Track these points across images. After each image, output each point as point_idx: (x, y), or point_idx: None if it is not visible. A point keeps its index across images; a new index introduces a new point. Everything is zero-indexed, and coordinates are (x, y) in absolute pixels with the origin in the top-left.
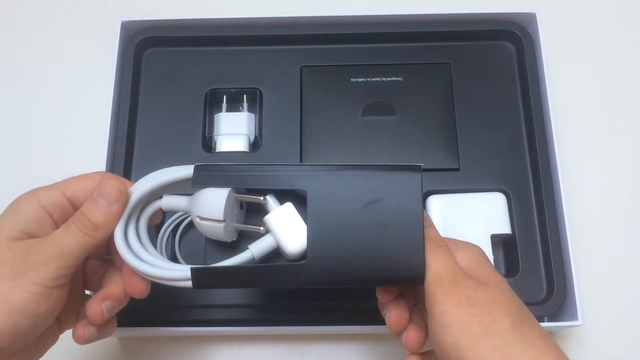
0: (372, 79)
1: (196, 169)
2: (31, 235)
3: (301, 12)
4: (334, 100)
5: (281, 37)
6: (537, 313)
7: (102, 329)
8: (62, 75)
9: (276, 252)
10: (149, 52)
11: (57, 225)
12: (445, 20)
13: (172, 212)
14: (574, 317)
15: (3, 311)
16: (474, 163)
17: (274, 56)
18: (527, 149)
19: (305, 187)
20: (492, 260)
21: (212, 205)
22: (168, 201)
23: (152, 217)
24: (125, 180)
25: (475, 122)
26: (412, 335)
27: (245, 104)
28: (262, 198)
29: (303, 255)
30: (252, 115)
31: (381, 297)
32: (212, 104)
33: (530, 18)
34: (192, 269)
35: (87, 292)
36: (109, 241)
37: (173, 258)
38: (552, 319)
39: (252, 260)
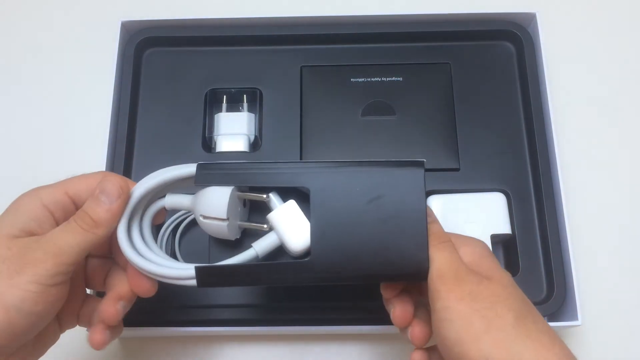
0: (372, 79)
1: (199, 167)
2: (32, 234)
3: (301, 12)
4: (334, 100)
5: (281, 37)
6: None
7: (114, 330)
8: (62, 75)
9: (280, 250)
10: (149, 52)
11: (58, 224)
12: (445, 20)
13: (174, 211)
14: (574, 317)
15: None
16: (474, 163)
17: (274, 56)
18: (527, 149)
19: (308, 184)
20: None
21: (215, 203)
22: (171, 200)
23: (155, 216)
24: (128, 180)
25: (475, 122)
26: (417, 330)
27: (245, 104)
28: (265, 196)
29: (307, 253)
30: (252, 115)
31: (385, 292)
32: (212, 104)
33: (530, 18)
34: (196, 268)
35: (88, 291)
36: (111, 240)
37: (173, 257)
38: (552, 319)
39: (256, 258)
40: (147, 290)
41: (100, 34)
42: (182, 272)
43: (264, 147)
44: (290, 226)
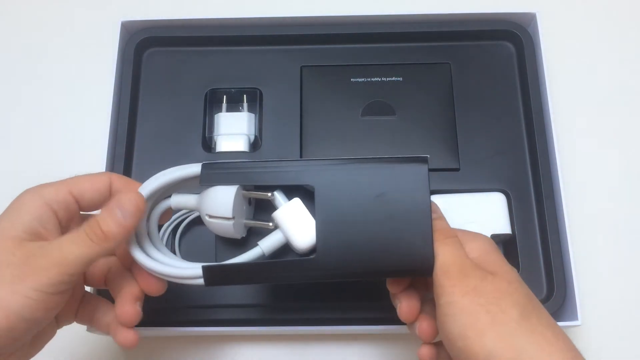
0: (372, 79)
1: (203, 167)
2: (35, 234)
3: (301, 12)
4: (334, 100)
5: (281, 37)
6: None
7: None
8: (62, 75)
9: (286, 248)
10: (149, 52)
11: (61, 223)
12: (445, 20)
13: (179, 211)
14: (574, 317)
15: (1, 316)
16: (474, 163)
17: (274, 56)
18: (527, 149)
19: (313, 181)
20: None
21: (221, 203)
22: (177, 200)
23: (161, 216)
24: (133, 181)
25: (475, 122)
26: (424, 325)
27: (245, 104)
28: (269, 194)
29: (312, 250)
30: (252, 115)
31: (392, 288)
32: (212, 104)
33: (530, 18)
34: (203, 267)
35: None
36: None
37: None
38: None
39: (262, 256)
40: (157, 289)
41: (100, 34)
42: (190, 271)
43: (264, 147)
44: (295, 224)
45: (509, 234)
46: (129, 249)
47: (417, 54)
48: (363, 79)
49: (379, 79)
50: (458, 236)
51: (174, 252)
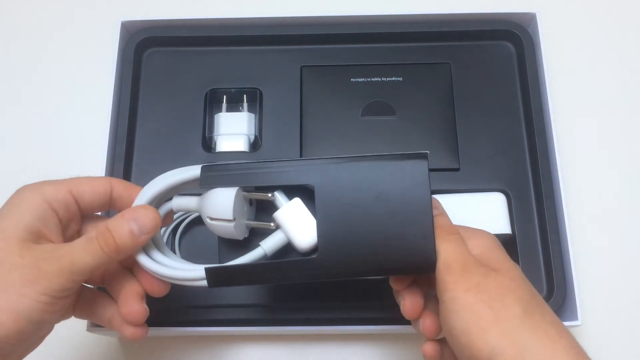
0: (372, 79)
1: (203, 169)
2: (37, 234)
3: (301, 12)
4: (334, 100)
5: (281, 37)
6: None
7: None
8: (62, 75)
9: (289, 248)
10: (149, 52)
11: (61, 222)
12: (445, 20)
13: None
14: (574, 317)
15: (10, 319)
16: (474, 163)
17: (274, 56)
18: (527, 149)
19: (312, 181)
20: None
21: (221, 205)
22: (178, 202)
23: (163, 219)
24: (134, 185)
25: (475, 122)
26: (428, 322)
27: (245, 104)
28: (270, 195)
29: (314, 249)
30: (252, 115)
31: (395, 285)
32: (212, 104)
33: (530, 18)
34: (206, 269)
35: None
36: None
37: None
38: None
39: (265, 256)
40: (160, 291)
41: (100, 34)
42: (193, 273)
43: (264, 147)
44: (296, 224)
45: (509, 234)
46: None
47: (417, 54)
48: (363, 79)
49: (379, 79)
50: (460, 232)
51: (174, 253)
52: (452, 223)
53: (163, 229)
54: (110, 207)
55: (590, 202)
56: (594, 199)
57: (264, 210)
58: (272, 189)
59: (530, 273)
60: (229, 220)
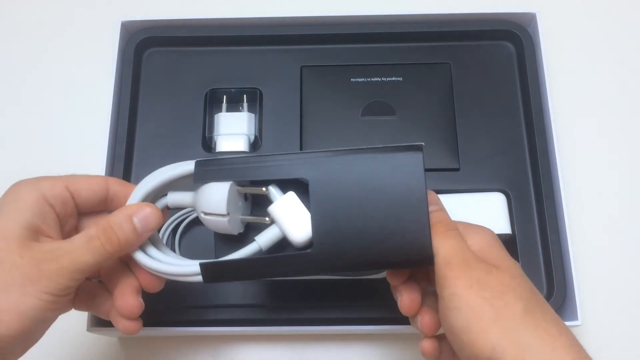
0: (372, 79)
1: (197, 164)
2: (36, 231)
3: (301, 12)
4: (334, 100)
5: (281, 37)
6: None
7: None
8: (62, 75)
9: (285, 242)
10: (149, 52)
11: (59, 217)
12: (445, 20)
13: (175, 210)
14: (574, 317)
15: (14, 318)
16: (474, 163)
17: (274, 56)
18: (527, 149)
19: (306, 174)
20: None
21: (215, 200)
22: (173, 198)
23: None
24: (130, 184)
25: (475, 122)
26: (426, 318)
27: (245, 104)
28: (264, 189)
29: (310, 244)
30: (252, 115)
31: (392, 280)
32: (212, 104)
33: (530, 18)
34: (201, 264)
35: None
36: None
37: None
38: None
39: (260, 251)
40: (155, 286)
41: (100, 34)
42: (187, 269)
43: (264, 147)
44: (290, 218)
45: (509, 234)
46: None
47: (417, 54)
48: (363, 79)
49: (379, 79)
50: (460, 228)
51: (175, 252)
52: (450, 219)
53: (163, 228)
54: (107, 206)
55: (590, 202)
56: (594, 199)
57: (260, 205)
58: (266, 183)
59: (530, 273)
60: (223, 215)
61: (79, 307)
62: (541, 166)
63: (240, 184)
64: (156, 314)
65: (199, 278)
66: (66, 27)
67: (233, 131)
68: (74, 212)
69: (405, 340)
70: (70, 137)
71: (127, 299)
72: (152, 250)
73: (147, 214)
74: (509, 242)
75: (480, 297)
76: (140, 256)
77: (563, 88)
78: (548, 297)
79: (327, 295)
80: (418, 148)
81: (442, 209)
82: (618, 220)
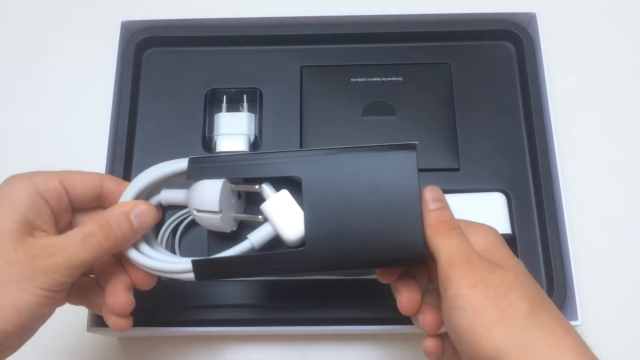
0: (372, 79)
1: (190, 161)
2: (31, 226)
3: (301, 12)
4: (334, 100)
5: (281, 37)
6: None
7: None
8: (62, 75)
9: (278, 241)
10: (149, 52)
11: (53, 212)
12: (445, 20)
13: (173, 208)
14: (574, 316)
15: (12, 315)
16: (474, 163)
17: (274, 56)
18: (527, 149)
19: (300, 173)
20: None
21: (207, 197)
22: (167, 195)
23: None
24: (124, 181)
25: (475, 122)
26: (428, 317)
27: (245, 104)
28: (257, 187)
29: (303, 242)
30: (252, 115)
31: (382, 278)
32: (212, 104)
33: (530, 18)
34: (192, 261)
35: None
36: None
37: None
38: None
39: (252, 249)
40: (147, 283)
41: (100, 34)
42: (179, 266)
43: (264, 147)
44: (283, 216)
45: (509, 234)
46: None
47: (417, 54)
48: (363, 79)
49: (379, 79)
50: (462, 227)
51: (174, 252)
52: (454, 217)
53: (163, 228)
54: (101, 203)
55: (590, 202)
56: (594, 199)
57: (254, 203)
58: (259, 181)
59: (530, 273)
60: (215, 212)
61: (72, 302)
62: (541, 166)
63: (233, 181)
64: (156, 313)
65: (191, 275)
66: (66, 27)
67: (233, 131)
68: (69, 208)
69: (405, 340)
70: (70, 137)
71: (118, 295)
72: (144, 247)
73: (143, 211)
74: (509, 242)
75: (484, 296)
76: (132, 253)
77: (563, 88)
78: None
79: (327, 295)
80: (411, 147)
81: (446, 207)
82: (618, 220)
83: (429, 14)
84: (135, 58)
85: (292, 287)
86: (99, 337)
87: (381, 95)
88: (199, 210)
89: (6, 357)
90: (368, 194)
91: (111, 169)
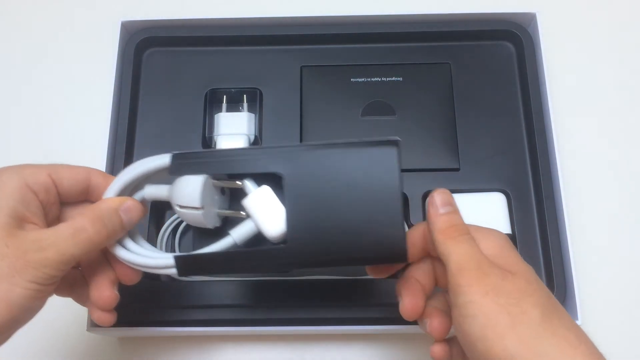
0: (372, 79)
1: (173, 157)
2: (20, 218)
3: (301, 12)
4: (334, 100)
5: (281, 37)
6: None
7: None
8: (62, 75)
9: (261, 237)
10: (149, 52)
11: (42, 204)
12: (445, 20)
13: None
14: (574, 316)
15: (3, 308)
16: (474, 163)
17: (274, 56)
18: (527, 149)
19: (280, 169)
20: None
21: (189, 193)
22: (150, 191)
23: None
24: (112, 176)
25: (475, 122)
26: (436, 322)
27: (245, 104)
28: (239, 183)
29: (284, 238)
30: (252, 115)
31: (372, 273)
32: (212, 104)
33: (530, 18)
34: (175, 257)
35: None
36: None
37: None
38: None
39: (235, 245)
40: (131, 279)
41: (100, 34)
42: (161, 261)
43: None
44: (264, 212)
45: (509, 234)
46: None
47: (417, 54)
48: (363, 79)
49: (379, 79)
50: (472, 232)
51: (175, 252)
52: (463, 222)
53: (163, 229)
54: (88, 197)
55: (590, 202)
56: (594, 199)
57: (239, 199)
58: (242, 176)
59: None
60: (197, 208)
61: (60, 294)
62: (541, 166)
63: (216, 177)
64: (155, 313)
65: (174, 271)
66: (66, 27)
67: (233, 131)
68: (57, 201)
69: (406, 340)
70: (70, 137)
71: (102, 290)
72: (128, 242)
73: (130, 207)
74: None
75: (496, 304)
76: (116, 248)
77: (563, 88)
78: None
79: (327, 295)
80: (393, 143)
81: (455, 211)
82: (618, 220)
83: (429, 14)
84: (135, 58)
85: (292, 287)
86: (99, 337)
87: (381, 95)
88: (181, 206)
89: None
90: (350, 190)
91: (111, 169)
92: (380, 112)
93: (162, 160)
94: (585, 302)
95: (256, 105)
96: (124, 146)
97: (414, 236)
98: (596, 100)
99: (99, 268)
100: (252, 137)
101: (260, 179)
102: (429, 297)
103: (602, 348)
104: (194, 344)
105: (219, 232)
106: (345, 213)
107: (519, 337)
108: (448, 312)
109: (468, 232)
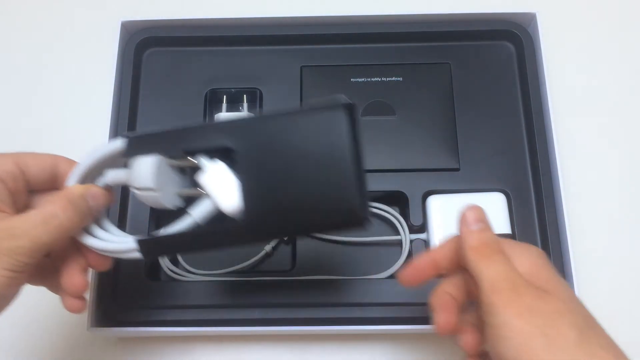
0: (372, 79)
1: (129, 140)
2: None
3: (301, 12)
4: None
5: (281, 37)
6: None
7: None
8: (62, 75)
9: (225, 215)
10: (149, 52)
11: (11, 192)
12: (445, 20)
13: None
14: None
15: None
16: (474, 163)
17: (274, 56)
18: (527, 149)
19: (231, 143)
20: None
21: (143, 174)
22: (111, 176)
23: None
24: (75, 162)
25: (475, 122)
26: (469, 339)
27: (245, 104)
28: (194, 161)
29: (242, 213)
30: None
31: (404, 283)
32: (212, 104)
33: (530, 18)
34: (138, 241)
35: None
36: None
37: None
38: None
39: (196, 224)
40: (100, 264)
41: (100, 34)
42: (124, 245)
43: None
44: (219, 188)
45: (509, 234)
46: None
47: (417, 54)
48: (363, 79)
49: (379, 79)
50: (505, 248)
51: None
52: (497, 238)
53: None
54: (55, 185)
55: (590, 202)
56: (594, 198)
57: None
58: (194, 153)
59: None
60: (152, 190)
61: (34, 282)
62: (541, 166)
63: (172, 156)
64: (154, 314)
65: (138, 254)
66: (66, 27)
67: None
68: (25, 189)
69: (406, 340)
70: (70, 136)
71: (72, 277)
72: (94, 228)
73: (96, 194)
74: None
75: (531, 325)
76: (81, 235)
77: (563, 88)
78: None
79: (327, 295)
80: (339, 106)
81: (487, 228)
82: (618, 220)
83: (429, 14)
84: (135, 58)
85: (292, 286)
86: (99, 337)
87: (381, 95)
88: (137, 189)
89: None
90: (301, 158)
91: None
92: (380, 112)
93: (117, 144)
94: (585, 302)
95: (256, 105)
96: None
97: (446, 249)
98: (596, 100)
99: (69, 255)
100: None
101: (218, 155)
102: (461, 311)
103: None
104: (194, 344)
105: (180, 212)
106: (299, 181)
107: (555, 359)
108: (480, 326)
109: (501, 251)
